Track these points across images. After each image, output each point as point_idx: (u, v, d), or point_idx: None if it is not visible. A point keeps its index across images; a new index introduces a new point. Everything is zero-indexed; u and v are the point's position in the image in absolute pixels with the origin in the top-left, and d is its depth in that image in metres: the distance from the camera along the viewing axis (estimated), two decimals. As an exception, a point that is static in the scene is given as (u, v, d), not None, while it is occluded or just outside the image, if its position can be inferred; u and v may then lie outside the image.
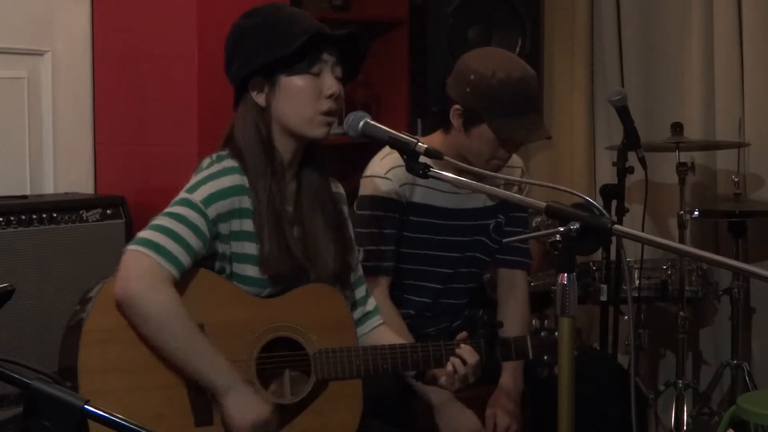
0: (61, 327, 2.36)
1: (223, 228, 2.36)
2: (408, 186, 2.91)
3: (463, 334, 2.54)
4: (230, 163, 2.40)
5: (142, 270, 2.25)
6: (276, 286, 2.41)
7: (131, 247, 2.28)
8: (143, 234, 2.30)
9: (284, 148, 2.45)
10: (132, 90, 3.61)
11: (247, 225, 2.38)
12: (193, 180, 2.38)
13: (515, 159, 3.15)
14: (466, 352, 2.48)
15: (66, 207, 3.26)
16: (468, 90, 2.86)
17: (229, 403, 2.28)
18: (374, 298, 2.69)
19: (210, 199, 2.33)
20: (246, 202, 2.38)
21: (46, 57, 3.58)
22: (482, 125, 2.85)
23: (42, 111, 3.58)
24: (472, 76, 2.85)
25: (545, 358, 2.57)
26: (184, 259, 2.28)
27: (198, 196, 2.33)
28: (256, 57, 2.40)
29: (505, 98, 2.82)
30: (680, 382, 4.03)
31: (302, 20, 2.44)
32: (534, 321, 2.57)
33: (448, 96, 2.91)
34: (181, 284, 2.29)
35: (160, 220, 2.31)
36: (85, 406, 1.40)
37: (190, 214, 2.31)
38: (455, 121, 2.89)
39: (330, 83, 2.42)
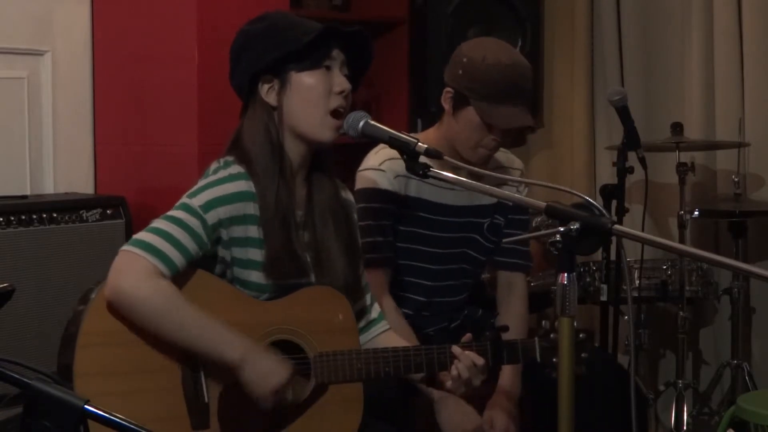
0: (61, 327, 2.35)
1: (224, 234, 2.34)
2: (402, 178, 2.91)
3: (468, 336, 2.51)
4: (237, 168, 2.37)
5: (131, 267, 2.24)
6: (277, 292, 2.39)
7: (124, 248, 2.27)
8: (137, 235, 2.29)
9: (293, 152, 2.43)
10: (132, 90, 3.61)
11: (253, 231, 2.36)
12: (197, 185, 2.36)
13: (515, 160, 3.15)
14: (471, 356, 2.47)
15: (66, 207, 3.26)
16: (459, 72, 2.90)
17: (245, 375, 2.26)
18: (376, 290, 2.68)
19: (210, 205, 2.31)
20: (252, 208, 2.36)
21: (46, 57, 3.58)
22: (468, 108, 2.88)
23: (42, 111, 3.58)
24: (464, 59, 2.90)
25: (554, 360, 2.55)
26: (177, 259, 2.26)
27: (197, 201, 2.31)
28: (266, 53, 2.39)
29: (491, 82, 2.85)
30: (680, 382, 4.03)
31: (309, 22, 2.45)
32: (544, 323, 2.54)
33: (444, 82, 2.95)
34: (179, 286, 2.28)
35: (156, 223, 2.30)
36: (85, 406, 1.40)
37: (187, 218, 2.29)
38: (446, 104, 2.94)
39: (340, 80, 2.41)
